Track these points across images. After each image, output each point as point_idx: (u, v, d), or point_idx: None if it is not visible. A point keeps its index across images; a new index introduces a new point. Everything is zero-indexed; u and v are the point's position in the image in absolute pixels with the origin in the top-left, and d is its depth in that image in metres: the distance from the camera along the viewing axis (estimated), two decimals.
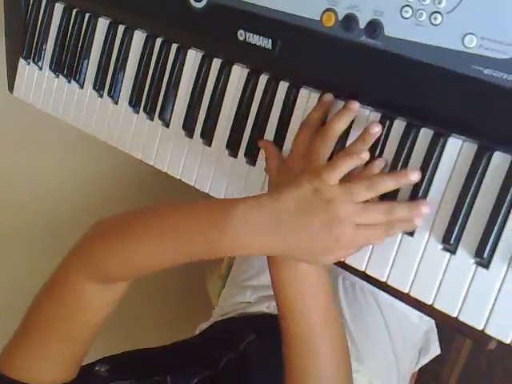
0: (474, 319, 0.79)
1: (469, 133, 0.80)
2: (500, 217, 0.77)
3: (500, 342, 0.79)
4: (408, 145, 0.84)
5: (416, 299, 0.85)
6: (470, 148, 0.80)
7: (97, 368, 0.97)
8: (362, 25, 0.87)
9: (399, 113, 0.86)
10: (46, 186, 1.87)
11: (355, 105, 0.89)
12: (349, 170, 0.83)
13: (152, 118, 1.16)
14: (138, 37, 1.18)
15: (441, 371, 1.98)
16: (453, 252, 0.81)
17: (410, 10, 0.82)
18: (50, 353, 0.90)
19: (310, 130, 0.91)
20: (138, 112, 1.18)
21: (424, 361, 1.42)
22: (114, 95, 1.21)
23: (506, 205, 0.77)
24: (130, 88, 1.18)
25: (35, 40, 1.36)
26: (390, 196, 0.83)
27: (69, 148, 1.87)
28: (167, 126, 1.13)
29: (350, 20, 0.88)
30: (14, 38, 1.42)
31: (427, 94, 0.82)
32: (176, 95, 1.12)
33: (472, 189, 0.79)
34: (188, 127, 1.09)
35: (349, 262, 0.89)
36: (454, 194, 0.81)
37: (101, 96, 1.24)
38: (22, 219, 1.82)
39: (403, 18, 0.83)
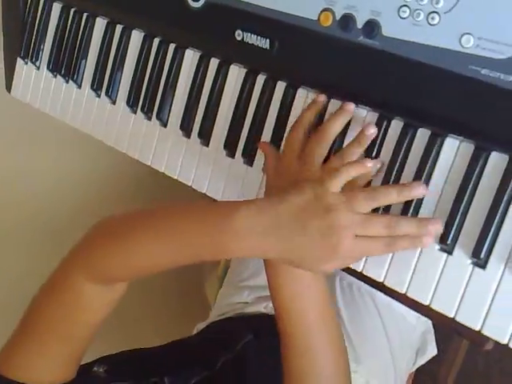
0: (471, 320, 0.79)
1: (466, 133, 0.80)
2: (497, 217, 0.77)
3: (497, 343, 0.79)
4: (405, 145, 0.85)
5: (413, 300, 0.85)
6: (467, 148, 0.81)
7: (95, 369, 0.97)
8: (360, 25, 0.87)
9: (396, 113, 0.86)
10: (44, 186, 1.87)
11: (351, 106, 0.89)
12: (352, 177, 0.82)
13: (150, 118, 1.16)
14: (136, 36, 1.18)
15: (438, 372, 1.98)
16: (450, 252, 0.81)
17: (408, 10, 0.82)
18: (48, 353, 0.90)
19: (302, 128, 0.91)
20: (135, 112, 1.18)
21: (421, 361, 1.42)
22: (111, 95, 1.21)
23: (503, 205, 0.77)
24: (128, 88, 1.18)
25: (33, 40, 1.36)
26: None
27: (67, 147, 1.87)
28: (165, 125, 1.13)
29: (347, 20, 0.88)
30: (12, 38, 1.41)
31: (424, 94, 0.82)
32: (174, 95, 1.12)
33: (469, 189, 0.79)
34: (185, 127, 1.09)
35: None
36: (451, 195, 0.81)
37: (98, 96, 1.24)
38: (20, 218, 1.82)
39: (401, 18, 0.83)
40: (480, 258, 0.78)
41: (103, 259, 0.88)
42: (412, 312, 1.22)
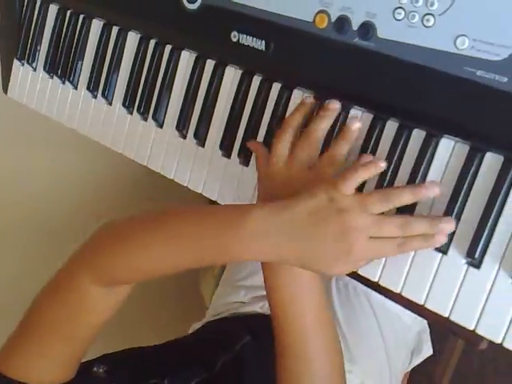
0: (466, 319, 0.80)
1: (461, 134, 0.81)
2: (491, 217, 0.77)
3: (491, 342, 0.80)
4: (400, 146, 0.85)
5: (408, 299, 0.85)
6: (462, 149, 0.81)
7: (95, 369, 0.97)
8: (355, 26, 0.87)
9: (392, 114, 0.86)
10: (41, 186, 1.87)
11: (334, 105, 0.89)
12: (365, 179, 0.83)
13: (146, 119, 1.16)
14: (132, 38, 1.18)
15: (433, 371, 1.98)
16: (444, 252, 0.81)
17: (403, 12, 0.83)
18: (49, 353, 0.90)
19: (291, 131, 0.91)
20: (131, 113, 1.18)
21: (416, 361, 1.42)
22: (107, 96, 1.21)
23: (497, 205, 0.77)
24: (124, 89, 1.18)
25: (29, 41, 1.36)
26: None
27: (63, 148, 1.87)
28: (161, 126, 1.13)
29: (342, 22, 0.88)
30: (9, 39, 1.41)
31: (420, 95, 0.83)
32: (170, 96, 1.12)
33: (464, 189, 0.80)
34: (181, 128, 1.09)
35: None
36: (446, 195, 0.81)
37: (95, 97, 1.24)
38: (17, 219, 1.82)
39: (396, 19, 0.83)
40: (474, 258, 0.79)
41: (110, 261, 0.88)
42: (408, 312, 1.22)
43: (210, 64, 1.06)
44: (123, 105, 1.18)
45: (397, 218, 0.79)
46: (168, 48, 1.12)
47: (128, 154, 1.19)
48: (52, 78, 1.33)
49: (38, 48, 1.35)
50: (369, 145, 0.87)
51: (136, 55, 1.16)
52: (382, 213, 0.80)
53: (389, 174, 0.85)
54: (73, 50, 1.27)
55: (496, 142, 0.78)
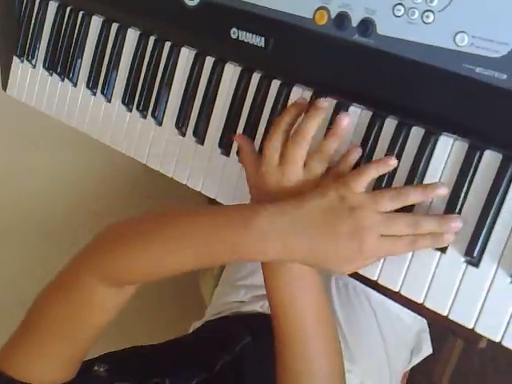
0: (464, 318, 0.80)
1: (460, 131, 0.81)
2: (490, 215, 0.77)
3: (491, 341, 0.79)
4: (399, 143, 0.85)
5: (407, 298, 0.85)
6: (460, 146, 0.81)
7: (96, 368, 0.96)
8: (355, 23, 0.87)
9: (391, 111, 0.86)
10: (40, 184, 1.87)
11: (324, 103, 0.88)
12: (375, 176, 0.83)
13: (145, 117, 1.16)
14: (132, 35, 1.18)
15: (433, 371, 1.98)
16: (443, 251, 0.81)
17: (403, 9, 0.82)
18: (51, 352, 0.89)
19: (282, 131, 0.90)
20: (130, 110, 1.18)
21: (416, 360, 1.42)
22: (107, 93, 1.21)
23: (496, 203, 0.77)
24: (123, 86, 1.18)
25: (29, 38, 1.36)
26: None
27: (62, 146, 1.87)
28: (160, 124, 1.13)
29: (342, 18, 0.88)
30: (8, 36, 1.41)
31: (419, 92, 0.82)
32: (169, 93, 1.12)
33: (463, 187, 0.79)
34: (181, 125, 1.09)
35: None
36: (445, 193, 0.81)
37: (94, 94, 1.24)
38: (15, 217, 1.82)
39: (395, 16, 0.83)
40: (473, 257, 0.78)
41: (114, 263, 0.87)
42: (407, 312, 1.22)
43: (209, 61, 1.06)
44: (122, 102, 1.18)
45: (407, 217, 0.80)
46: (167, 45, 1.12)
47: (127, 151, 1.19)
48: (51, 75, 1.33)
49: (38, 45, 1.35)
50: (368, 142, 0.87)
51: (135, 52, 1.16)
52: None
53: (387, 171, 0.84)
54: (72, 47, 1.27)
55: (495, 140, 0.77)
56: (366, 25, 0.86)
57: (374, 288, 0.90)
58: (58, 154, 1.89)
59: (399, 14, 0.83)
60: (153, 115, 1.13)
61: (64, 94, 1.30)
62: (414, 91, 0.83)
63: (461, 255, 0.80)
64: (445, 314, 0.81)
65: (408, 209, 0.82)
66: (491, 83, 0.76)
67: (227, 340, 1.23)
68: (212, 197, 1.05)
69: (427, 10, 0.80)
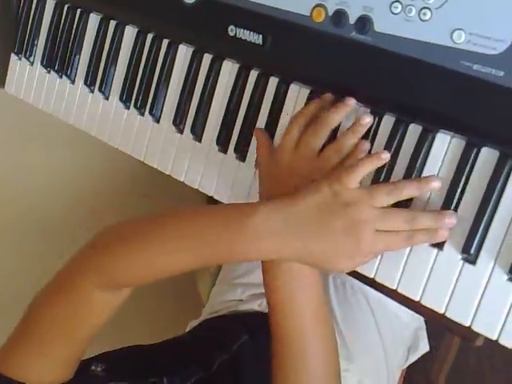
0: (461, 316, 0.79)
1: (457, 128, 0.81)
2: (487, 213, 0.77)
3: (488, 339, 0.79)
4: (397, 140, 0.85)
5: (404, 296, 0.84)
6: (458, 143, 0.81)
7: (93, 367, 0.96)
8: (352, 20, 0.87)
9: (388, 108, 0.86)
10: (38, 182, 1.87)
11: (351, 101, 0.88)
12: (369, 172, 0.83)
13: (143, 114, 1.16)
14: (129, 32, 1.18)
15: (430, 368, 1.98)
16: (440, 248, 0.81)
17: (400, 6, 0.82)
18: (49, 353, 0.89)
19: (304, 121, 0.90)
20: (128, 107, 1.18)
21: (413, 358, 1.42)
22: (104, 91, 1.21)
23: (493, 201, 0.77)
24: (121, 83, 1.18)
25: (27, 35, 1.36)
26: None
27: (60, 143, 1.86)
28: (158, 121, 1.13)
29: (339, 16, 0.88)
30: (6, 34, 1.41)
31: (416, 89, 0.82)
32: (167, 91, 1.12)
33: (460, 184, 0.79)
34: (178, 123, 1.09)
35: None
36: (442, 190, 0.81)
37: (92, 91, 1.24)
38: (13, 215, 1.82)
39: (393, 13, 0.83)
40: (470, 254, 0.78)
41: (111, 264, 0.87)
42: (405, 309, 1.22)
43: (207, 58, 1.06)
44: (120, 99, 1.18)
45: (404, 212, 0.80)
46: (165, 42, 1.12)
47: (124, 149, 1.19)
48: (49, 72, 1.33)
49: (36, 42, 1.35)
50: (365, 139, 0.87)
51: (133, 49, 1.16)
52: None
53: (385, 168, 0.85)
54: (70, 44, 1.27)
55: (492, 137, 0.78)
56: (364, 22, 0.86)
57: (371, 286, 0.90)
58: (56, 151, 1.89)
59: (396, 11, 0.83)
60: (150, 112, 1.13)
61: (62, 92, 1.30)
62: (411, 88, 0.83)
63: (458, 253, 0.80)
64: (442, 311, 0.81)
65: (405, 205, 0.82)
66: (488, 80, 0.76)
67: (224, 339, 1.23)
68: (209, 194, 1.05)
69: (424, 8, 0.80)
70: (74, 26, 1.26)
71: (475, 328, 0.79)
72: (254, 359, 1.17)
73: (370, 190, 0.80)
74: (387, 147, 0.85)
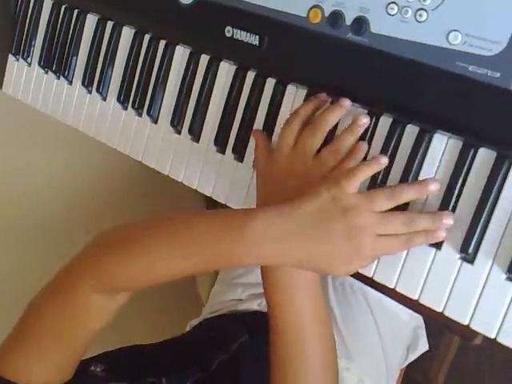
0: (460, 314, 0.80)
1: (454, 129, 0.81)
2: (485, 212, 0.77)
3: (487, 338, 0.79)
4: (394, 141, 0.85)
5: (403, 295, 0.85)
6: (455, 144, 0.81)
7: (92, 368, 0.96)
8: (349, 21, 0.87)
9: (385, 109, 0.86)
10: (36, 183, 1.87)
11: (347, 102, 0.89)
12: (368, 177, 0.83)
13: (140, 115, 1.16)
14: (127, 33, 1.18)
15: (429, 367, 1.98)
16: (438, 247, 0.81)
17: (396, 7, 0.83)
18: (48, 355, 0.89)
19: (300, 121, 0.90)
20: (126, 108, 1.18)
21: (412, 357, 1.42)
22: (102, 91, 1.21)
23: (490, 200, 0.77)
24: (119, 84, 1.18)
25: (24, 36, 1.36)
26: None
27: (58, 144, 1.86)
28: (155, 122, 1.13)
29: (336, 17, 0.88)
30: (3, 34, 1.41)
31: (413, 90, 0.82)
32: (164, 92, 1.12)
33: (457, 185, 0.79)
34: (176, 123, 1.09)
35: None
36: (439, 191, 0.81)
37: (89, 92, 1.24)
38: (12, 216, 1.82)
39: (389, 14, 0.83)
40: (468, 253, 0.78)
41: (109, 268, 0.87)
42: (404, 309, 1.22)
43: (204, 59, 1.06)
44: (118, 100, 1.18)
45: (401, 215, 0.79)
46: (162, 43, 1.12)
47: (122, 149, 1.19)
48: (47, 73, 1.33)
49: (33, 43, 1.35)
50: (362, 140, 0.87)
51: (130, 50, 1.16)
52: None
53: (382, 170, 0.85)
54: (67, 44, 1.27)
55: (489, 138, 0.78)
56: (360, 23, 0.86)
57: (370, 285, 0.91)
58: (54, 152, 1.88)
59: (393, 12, 0.83)
60: (148, 113, 1.13)
61: (59, 92, 1.30)
62: (407, 89, 0.83)
63: (456, 252, 0.80)
64: (440, 310, 0.81)
65: (402, 207, 0.82)
66: (484, 81, 0.76)
67: (224, 338, 1.23)
68: (208, 194, 1.06)
69: (420, 9, 0.81)
70: (72, 27, 1.26)
71: (473, 326, 0.79)
72: (253, 359, 1.17)
73: (369, 195, 0.80)
74: (384, 148, 0.85)
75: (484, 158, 0.78)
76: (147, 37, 1.14)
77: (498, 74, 0.75)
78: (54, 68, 1.29)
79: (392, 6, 0.83)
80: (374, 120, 0.87)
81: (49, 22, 1.31)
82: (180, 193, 1.27)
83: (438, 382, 2.00)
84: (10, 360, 0.88)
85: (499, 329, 0.77)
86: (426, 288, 0.82)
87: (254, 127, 0.99)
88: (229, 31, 0.99)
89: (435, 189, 0.81)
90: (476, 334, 0.81)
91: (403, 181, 0.83)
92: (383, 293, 0.90)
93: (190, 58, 1.08)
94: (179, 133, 1.10)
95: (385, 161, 0.83)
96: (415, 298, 0.83)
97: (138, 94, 1.15)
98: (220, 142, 1.04)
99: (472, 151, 0.79)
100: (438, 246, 0.81)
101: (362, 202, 0.79)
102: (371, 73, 0.86)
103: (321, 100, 0.92)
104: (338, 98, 0.90)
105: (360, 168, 0.82)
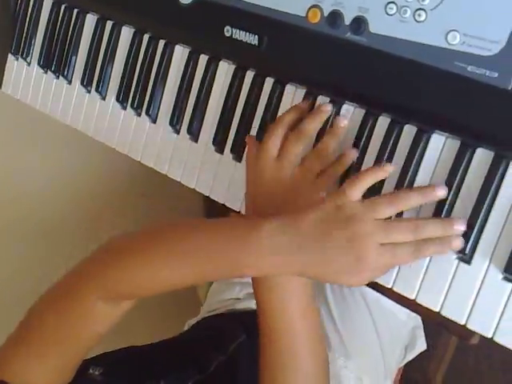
0: (456, 314, 0.80)
1: (452, 129, 0.81)
2: (482, 213, 0.77)
3: (485, 338, 0.79)
4: (392, 141, 0.85)
5: (400, 295, 0.85)
6: (453, 144, 0.81)
7: (90, 371, 0.96)
8: (347, 21, 0.87)
9: (383, 109, 0.86)
10: (35, 183, 1.87)
11: (327, 107, 0.90)
12: (372, 183, 0.82)
13: (139, 114, 1.16)
14: (126, 33, 1.18)
15: (427, 367, 1.98)
16: None
17: (395, 7, 0.83)
18: (49, 360, 0.89)
19: (283, 130, 0.91)
20: (125, 108, 1.18)
21: (410, 356, 1.42)
22: (101, 91, 1.21)
23: (487, 201, 0.77)
24: (118, 84, 1.19)
25: (24, 36, 1.36)
26: (369, 190, 0.82)
27: (57, 144, 1.86)
28: (154, 121, 1.14)
29: (335, 17, 0.88)
30: (3, 34, 1.41)
31: (411, 90, 0.83)
32: (163, 91, 1.12)
33: (454, 185, 0.80)
34: (175, 123, 1.09)
35: None
36: None
37: (88, 92, 1.24)
38: (12, 217, 1.82)
39: (388, 14, 0.83)
40: (465, 254, 0.78)
41: (115, 276, 0.87)
42: (402, 309, 1.22)
43: (203, 59, 1.07)
44: (117, 100, 1.18)
45: (406, 222, 0.78)
46: (162, 43, 1.12)
47: (121, 149, 1.19)
48: (46, 72, 1.33)
49: (33, 42, 1.35)
50: (360, 140, 0.88)
51: (130, 50, 1.17)
52: None
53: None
54: (67, 44, 1.27)
55: (487, 138, 0.78)
56: (359, 23, 0.86)
57: (368, 285, 0.91)
58: (53, 151, 1.88)
59: (391, 12, 0.83)
60: (147, 113, 1.13)
61: (59, 92, 1.31)
62: (406, 89, 0.83)
63: (453, 252, 0.80)
64: (437, 310, 0.81)
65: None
66: (483, 81, 0.77)
67: (222, 339, 1.23)
68: (206, 194, 1.06)
69: (419, 9, 0.81)
70: (71, 27, 1.26)
71: (470, 326, 0.79)
72: (251, 359, 1.16)
73: (372, 202, 0.79)
74: (382, 148, 0.85)
75: (482, 158, 0.78)
76: (146, 36, 1.14)
77: (497, 74, 0.75)
78: (53, 67, 1.30)
79: (391, 5, 0.83)
80: (372, 120, 0.87)
81: (48, 21, 1.31)
82: (179, 192, 1.27)
83: (436, 382, 2.00)
84: (9, 363, 0.88)
85: (496, 328, 0.77)
86: (423, 288, 0.83)
87: (253, 127, 0.99)
88: (228, 31, 0.99)
89: (442, 194, 0.80)
90: (473, 333, 0.81)
91: (401, 181, 0.84)
92: (381, 293, 0.90)
93: (189, 57, 1.08)
94: (178, 132, 1.10)
95: (391, 168, 0.82)
96: (412, 297, 0.83)
97: (137, 94, 1.15)
98: (218, 142, 1.04)
99: (470, 151, 0.79)
100: None
101: (364, 210, 0.77)
102: (370, 73, 0.86)
103: (301, 107, 0.93)
104: (335, 98, 0.90)
105: (364, 175, 0.81)
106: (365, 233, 0.76)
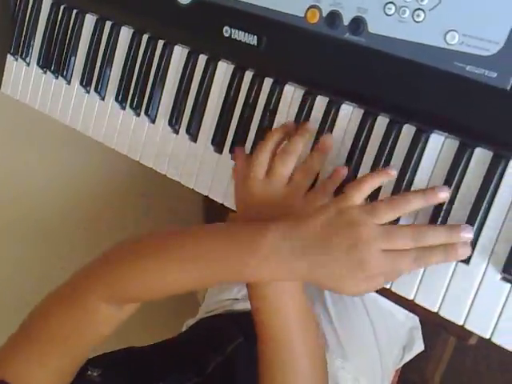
0: (454, 314, 0.80)
1: (451, 129, 0.81)
2: (480, 213, 0.77)
3: (482, 338, 0.79)
4: (391, 141, 0.85)
5: (399, 295, 0.85)
6: (451, 144, 0.81)
7: (89, 372, 0.96)
8: (346, 22, 0.87)
9: (382, 109, 0.86)
10: (34, 183, 1.87)
11: (311, 125, 0.91)
12: (375, 187, 0.82)
13: (138, 114, 1.16)
14: (125, 33, 1.18)
15: (425, 368, 1.98)
16: None
17: (394, 7, 0.83)
18: (50, 361, 0.88)
19: (270, 150, 0.92)
20: (124, 108, 1.18)
21: (408, 357, 1.42)
22: (100, 91, 1.21)
23: (486, 201, 0.77)
24: (117, 84, 1.19)
25: (23, 36, 1.36)
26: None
27: (57, 144, 1.86)
28: (153, 122, 1.14)
29: (334, 17, 0.88)
30: (2, 34, 1.41)
31: (410, 90, 0.83)
32: (162, 91, 1.12)
33: (453, 185, 0.80)
34: (174, 123, 1.09)
35: None
36: None
37: (87, 92, 1.24)
38: (12, 217, 1.82)
39: (386, 15, 0.84)
40: None
41: (123, 279, 0.87)
42: (400, 309, 1.22)
43: (202, 59, 1.07)
44: (116, 100, 1.18)
45: (409, 228, 0.78)
46: (161, 43, 1.12)
47: (120, 149, 1.19)
48: (45, 73, 1.33)
49: (32, 43, 1.35)
50: (359, 140, 0.88)
51: (129, 50, 1.17)
52: None
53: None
54: (66, 44, 1.27)
55: (485, 138, 0.78)
56: (358, 23, 0.86)
57: None
58: (53, 151, 1.88)
59: (390, 12, 0.83)
60: (146, 113, 1.13)
61: (58, 92, 1.31)
62: (405, 89, 0.83)
63: None
64: (435, 310, 0.81)
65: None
66: (482, 81, 0.77)
67: (220, 340, 1.23)
68: (205, 194, 1.06)
69: (418, 9, 0.81)
70: (70, 27, 1.26)
71: (468, 327, 0.79)
72: (249, 361, 1.16)
73: (373, 207, 0.78)
74: (381, 147, 0.85)
75: (480, 157, 0.79)
76: (145, 37, 1.14)
77: (495, 74, 0.75)
78: (52, 68, 1.30)
79: (389, 6, 0.83)
80: (371, 119, 0.87)
81: (48, 21, 1.31)
82: (178, 192, 1.27)
83: (434, 383, 1.99)
84: (11, 363, 0.87)
85: (494, 329, 0.77)
86: (421, 288, 0.83)
87: (252, 127, 1.00)
88: (227, 31, 0.99)
89: (445, 197, 0.79)
90: (471, 334, 0.81)
91: (400, 181, 0.83)
92: (379, 293, 0.90)
93: (188, 57, 1.08)
94: (177, 132, 1.10)
95: (394, 173, 0.82)
96: (410, 298, 0.83)
97: (136, 94, 1.15)
98: (217, 142, 1.04)
99: (468, 151, 0.79)
100: None
101: (364, 215, 0.77)
102: (369, 73, 0.86)
103: (287, 126, 0.94)
104: (333, 99, 0.90)
105: (367, 179, 0.81)
106: (365, 238, 0.76)
